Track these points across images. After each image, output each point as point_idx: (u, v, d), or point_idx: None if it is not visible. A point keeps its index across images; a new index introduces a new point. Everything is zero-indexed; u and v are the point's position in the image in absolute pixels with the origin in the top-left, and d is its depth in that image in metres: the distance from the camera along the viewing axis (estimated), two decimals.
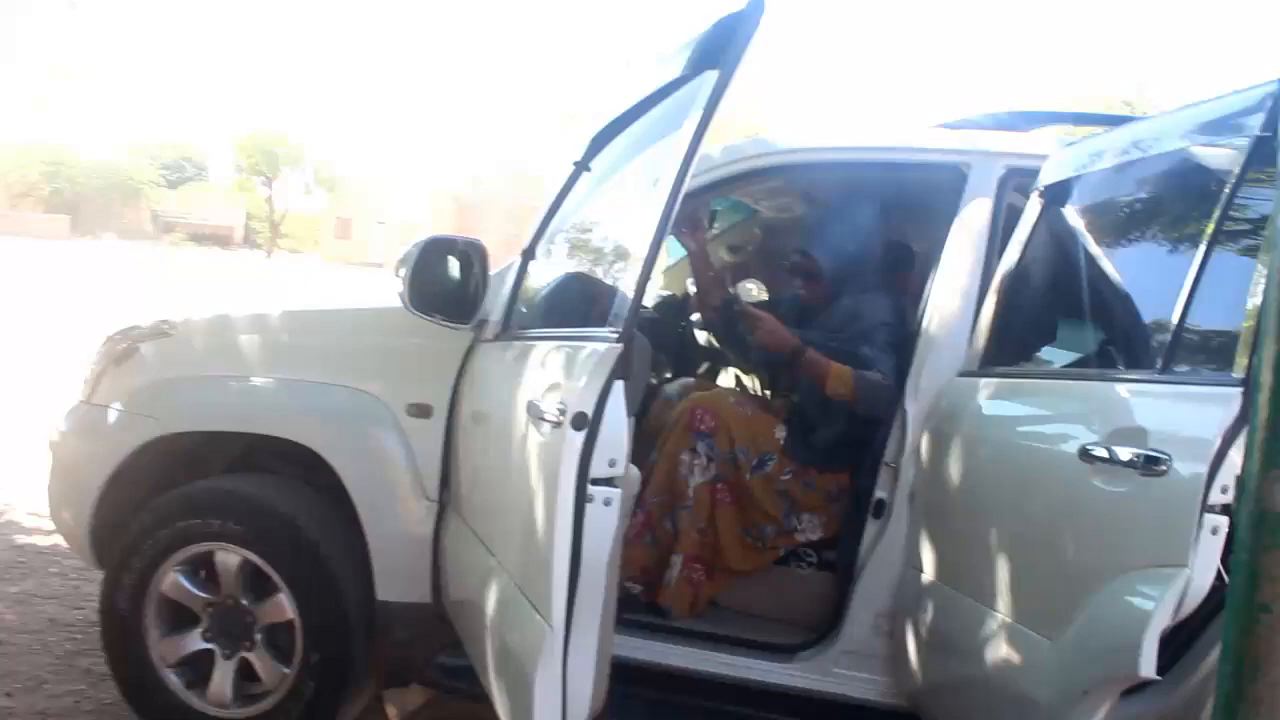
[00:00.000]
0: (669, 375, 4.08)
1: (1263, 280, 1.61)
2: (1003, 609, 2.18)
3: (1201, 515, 1.70)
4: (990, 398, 2.50)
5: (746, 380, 4.45)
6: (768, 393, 3.76)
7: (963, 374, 2.62)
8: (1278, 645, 0.66)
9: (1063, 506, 2.07)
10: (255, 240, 50.71)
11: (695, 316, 4.11)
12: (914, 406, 2.67)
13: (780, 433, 3.06)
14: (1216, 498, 1.69)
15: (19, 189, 42.54)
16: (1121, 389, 2.09)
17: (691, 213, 3.26)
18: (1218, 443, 1.69)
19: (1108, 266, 2.46)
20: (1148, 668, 1.71)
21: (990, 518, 2.31)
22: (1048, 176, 2.60)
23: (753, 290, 4.94)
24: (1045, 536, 2.12)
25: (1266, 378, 0.65)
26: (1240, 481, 0.73)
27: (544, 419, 1.99)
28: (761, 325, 3.05)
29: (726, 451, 2.99)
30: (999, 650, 2.15)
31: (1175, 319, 1.92)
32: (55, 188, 44.41)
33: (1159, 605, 1.72)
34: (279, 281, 25.28)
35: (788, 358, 3.03)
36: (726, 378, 4.57)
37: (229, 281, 23.04)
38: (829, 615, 2.80)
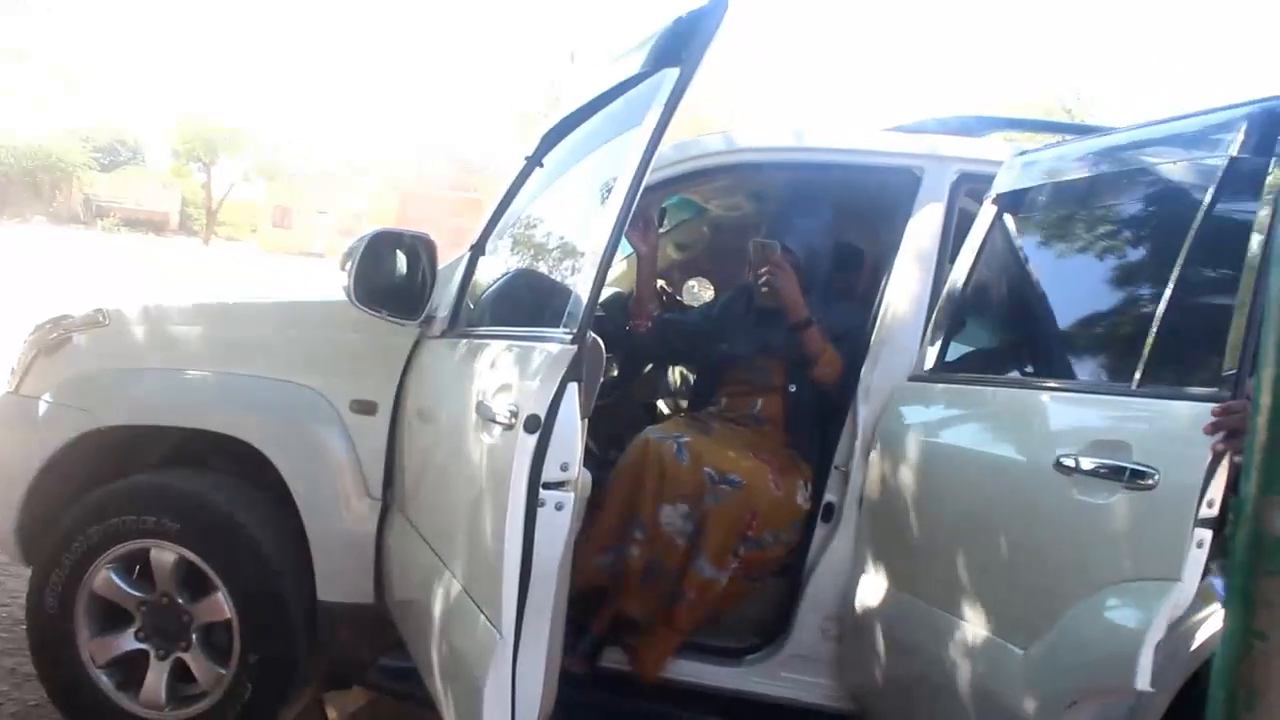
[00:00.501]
0: (615, 374, 4.06)
1: (1250, 294, 1.64)
2: (969, 617, 2.18)
3: (1192, 529, 1.71)
4: (946, 403, 2.51)
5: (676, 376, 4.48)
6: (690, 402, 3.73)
7: (914, 378, 2.62)
8: (1274, 672, 0.65)
9: (1036, 516, 2.07)
10: (191, 227, 49.72)
11: None
12: (865, 409, 2.67)
13: (803, 495, 2.89)
14: (1203, 512, 1.71)
15: None
16: (1097, 401, 2.10)
17: (643, 212, 3.22)
18: (1209, 457, 1.69)
19: (1063, 277, 2.48)
20: (1144, 680, 1.72)
21: (952, 525, 2.32)
22: (1003, 184, 2.61)
23: (696, 288, 4.94)
24: (1016, 546, 2.12)
25: (1265, 400, 0.65)
26: (1238, 504, 0.71)
27: (495, 421, 1.96)
28: (788, 281, 2.94)
29: (754, 542, 2.81)
30: (964, 657, 2.16)
31: (1152, 333, 1.93)
32: None
33: (1155, 618, 1.72)
34: (216, 270, 24.82)
35: (798, 323, 2.94)
36: (673, 377, 4.56)
37: (164, 269, 22.55)
38: (777, 619, 2.79)
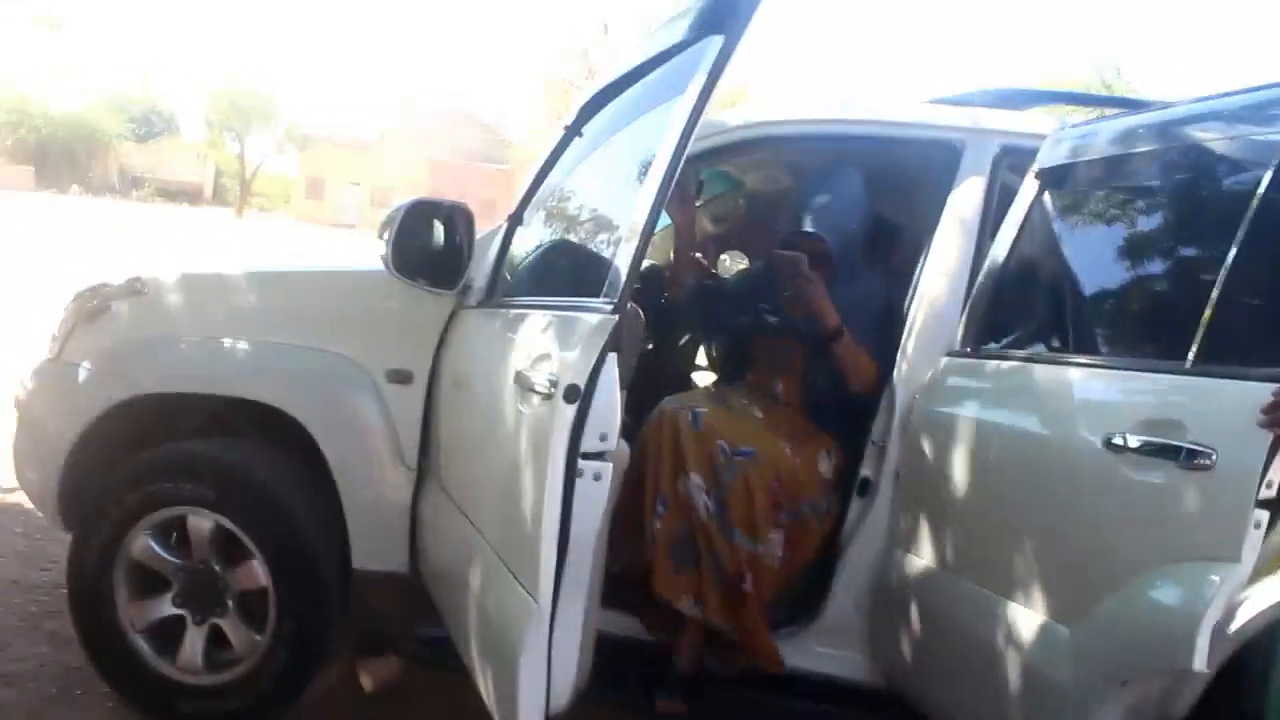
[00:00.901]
0: (650, 346, 4.04)
1: None
2: (1013, 595, 2.17)
3: (1252, 510, 1.70)
4: (986, 379, 2.48)
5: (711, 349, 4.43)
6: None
7: (953, 354, 2.59)
8: None
9: (1084, 495, 2.05)
10: (225, 198, 50.13)
11: None
12: (902, 386, 2.64)
13: (826, 464, 2.83)
14: (1262, 493, 1.70)
15: None
16: (1150, 379, 2.07)
17: (680, 182, 3.17)
18: (1269, 438, 1.67)
19: (1112, 253, 2.44)
20: (1201, 661, 1.71)
21: (996, 502, 2.30)
22: (1049, 157, 2.56)
23: (729, 262, 4.90)
24: (1063, 524, 2.11)
25: None
26: None
27: (534, 390, 1.96)
28: (818, 293, 2.80)
29: (792, 513, 2.74)
30: (1007, 635, 2.15)
31: (1208, 311, 1.90)
32: (19, 138, 43.57)
33: (1213, 599, 1.71)
34: (250, 241, 24.99)
35: (826, 334, 2.80)
36: (708, 348, 4.53)
37: (199, 239, 22.74)
38: (812, 593, 2.77)
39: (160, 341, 3.03)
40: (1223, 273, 1.90)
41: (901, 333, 2.73)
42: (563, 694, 1.95)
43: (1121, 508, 1.95)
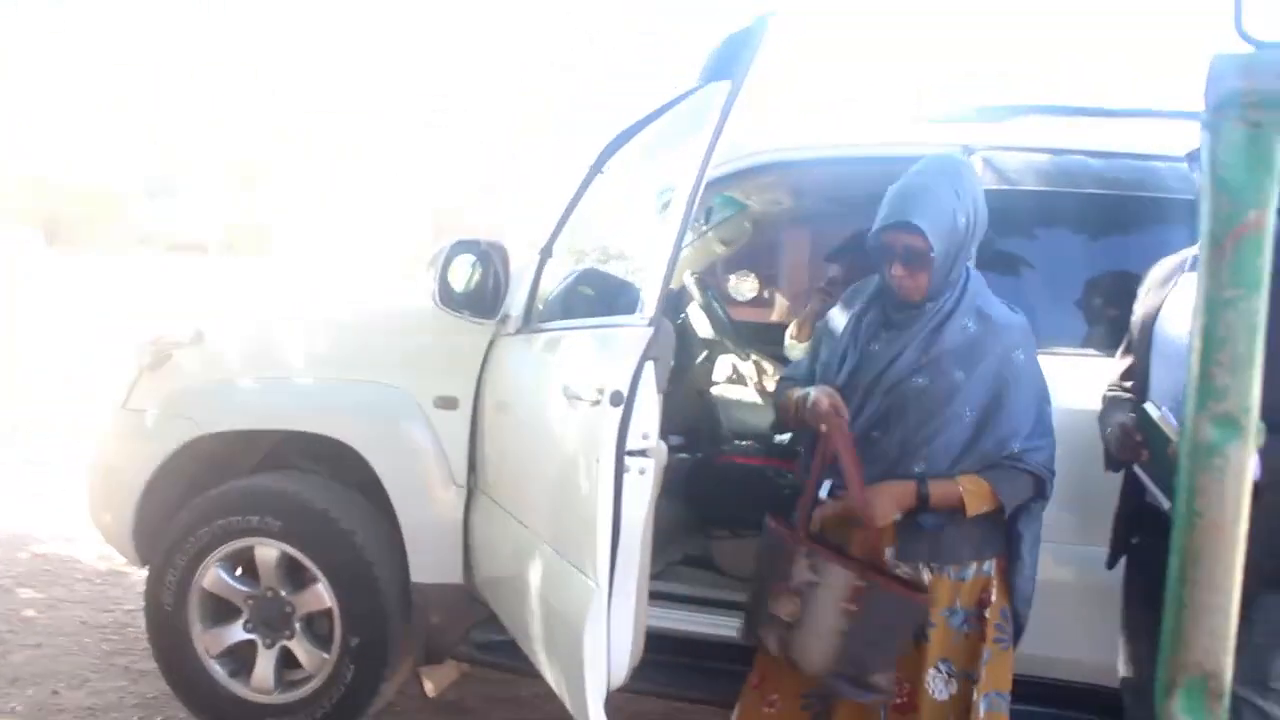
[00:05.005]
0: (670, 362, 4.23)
1: None
2: None
3: None
4: None
5: (743, 368, 4.60)
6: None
7: None
8: (1208, 540, 0.88)
9: None
10: (236, 249, 50.44)
11: (690, 308, 4.27)
12: None
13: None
14: None
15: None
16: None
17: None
18: None
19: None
20: None
21: None
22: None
23: (735, 281, 5.07)
24: None
25: (1197, 343, 0.87)
26: (1181, 421, 0.95)
27: (581, 399, 2.16)
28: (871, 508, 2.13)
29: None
30: None
31: None
32: (37, 204, 44.01)
33: None
34: (265, 286, 25.19)
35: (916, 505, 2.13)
36: (724, 366, 4.71)
37: (223, 287, 22.94)
38: None
39: (222, 384, 3.20)
40: None
41: None
42: (620, 668, 2.14)
43: None
